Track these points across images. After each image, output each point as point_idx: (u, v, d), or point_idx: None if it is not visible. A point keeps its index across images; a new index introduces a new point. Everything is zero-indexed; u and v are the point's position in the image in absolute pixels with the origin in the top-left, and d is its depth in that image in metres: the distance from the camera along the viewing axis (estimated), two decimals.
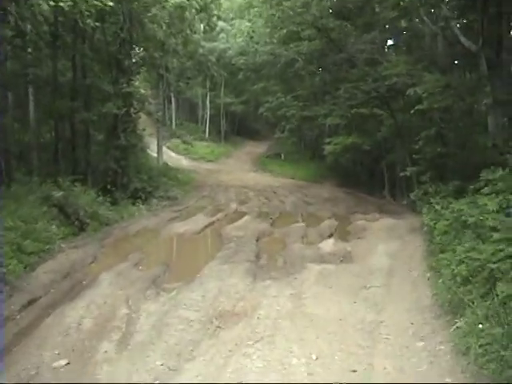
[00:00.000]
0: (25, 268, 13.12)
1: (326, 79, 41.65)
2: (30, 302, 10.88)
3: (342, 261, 14.76)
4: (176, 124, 62.47)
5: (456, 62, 26.49)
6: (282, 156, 58.14)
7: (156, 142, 43.78)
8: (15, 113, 24.95)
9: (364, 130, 36.36)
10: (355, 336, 8.50)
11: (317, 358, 7.55)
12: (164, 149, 47.99)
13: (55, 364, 7.66)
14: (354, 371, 7.17)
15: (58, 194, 18.94)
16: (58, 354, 8.04)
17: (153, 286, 12.30)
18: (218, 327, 9.12)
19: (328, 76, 40.46)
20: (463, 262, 9.82)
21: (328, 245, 16.68)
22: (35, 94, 25.32)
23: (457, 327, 8.07)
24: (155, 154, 43.17)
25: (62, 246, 16.25)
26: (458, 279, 9.37)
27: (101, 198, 21.96)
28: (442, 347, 7.89)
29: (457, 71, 20.49)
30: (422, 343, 8.14)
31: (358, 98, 28.59)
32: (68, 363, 7.70)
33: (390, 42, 37.97)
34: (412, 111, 20.79)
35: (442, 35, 24.64)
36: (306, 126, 49.04)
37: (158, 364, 7.58)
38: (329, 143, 37.74)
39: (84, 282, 12.75)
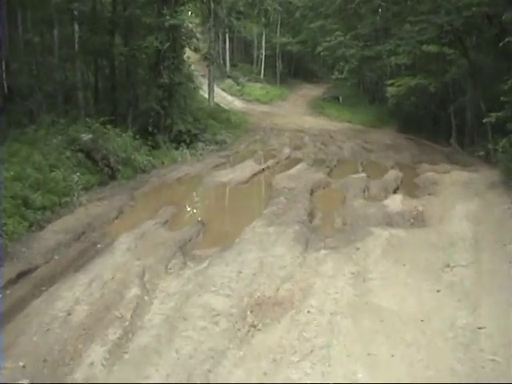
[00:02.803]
0: (30, 227, 10.93)
1: (389, 16, 38.26)
2: (21, 275, 8.62)
3: (412, 224, 12.12)
4: (230, 64, 59.77)
5: None
6: (340, 99, 55.15)
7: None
8: (62, 52, 23.10)
9: (430, 70, 33.09)
10: (446, 353, 5.88)
11: None
12: (217, 90, 45.62)
13: None
14: None
15: (86, 136, 16.70)
16: (24, 366, 5.72)
17: (179, 253, 9.97)
18: (253, 326, 6.65)
19: (391, 11, 36.98)
20: None
21: (395, 202, 14.02)
22: (80, 31, 23.46)
23: None
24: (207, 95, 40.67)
25: (85, 197, 13.99)
26: None
27: (138, 141, 19.62)
28: None
29: None
30: None
31: (429, 33, 25.13)
32: None
33: None
34: (501, 44, 17.43)
35: None
36: (366, 67, 45.83)
37: None
38: (392, 84, 34.59)
39: (99, 246, 10.53)
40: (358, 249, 9.79)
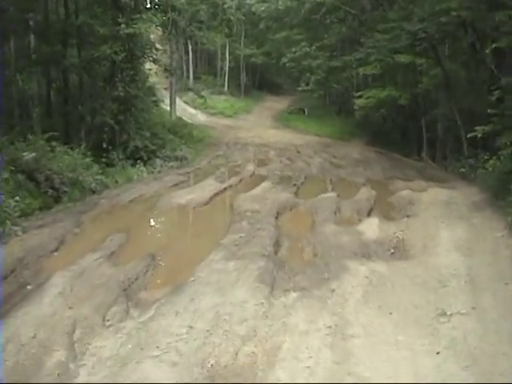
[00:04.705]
0: None
1: (355, 25, 37.27)
2: None
3: (393, 254, 10.71)
4: (193, 77, 58.36)
5: None
6: (306, 111, 54.32)
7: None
8: (19, 64, 22.30)
9: (398, 82, 32.01)
10: None
11: None
12: (180, 103, 44.55)
13: None
14: None
15: (28, 155, 15.05)
16: None
17: (122, 297, 8.34)
18: None
19: (359, 20, 35.95)
20: None
21: (371, 227, 12.67)
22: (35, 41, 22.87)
23: None
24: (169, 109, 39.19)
25: (23, 225, 12.32)
26: None
27: (89, 159, 18.03)
28: None
29: None
30: None
31: (402, 41, 23.76)
32: None
33: None
34: (487, 50, 16.03)
35: None
36: (333, 78, 44.75)
37: None
38: (360, 96, 33.43)
39: (28, 288, 8.85)
40: (333, 291, 8.26)
